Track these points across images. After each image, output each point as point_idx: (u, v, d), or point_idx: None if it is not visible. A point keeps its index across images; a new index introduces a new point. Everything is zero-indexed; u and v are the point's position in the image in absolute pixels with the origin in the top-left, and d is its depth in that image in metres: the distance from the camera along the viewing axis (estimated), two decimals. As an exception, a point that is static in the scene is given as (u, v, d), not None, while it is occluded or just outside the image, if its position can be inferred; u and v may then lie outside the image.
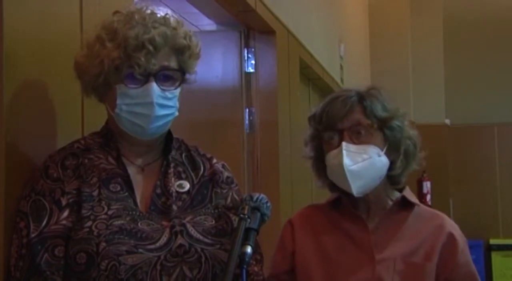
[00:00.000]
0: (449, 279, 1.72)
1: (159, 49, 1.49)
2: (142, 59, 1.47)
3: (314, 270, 1.75)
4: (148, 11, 1.53)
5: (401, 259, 1.70)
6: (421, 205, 1.81)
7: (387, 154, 1.73)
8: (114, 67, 1.48)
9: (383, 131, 1.73)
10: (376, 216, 1.76)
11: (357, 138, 1.70)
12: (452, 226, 1.78)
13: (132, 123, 1.52)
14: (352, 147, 1.69)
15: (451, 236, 1.74)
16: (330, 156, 1.71)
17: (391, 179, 1.78)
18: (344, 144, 1.68)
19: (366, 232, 1.74)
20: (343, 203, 1.79)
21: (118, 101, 1.50)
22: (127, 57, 1.48)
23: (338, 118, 1.71)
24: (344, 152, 1.67)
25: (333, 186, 1.81)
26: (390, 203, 1.78)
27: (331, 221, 1.80)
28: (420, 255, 1.71)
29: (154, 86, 1.49)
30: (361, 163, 1.68)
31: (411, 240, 1.73)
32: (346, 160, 1.67)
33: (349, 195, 1.75)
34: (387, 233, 1.74)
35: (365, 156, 1.69)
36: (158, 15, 1.53)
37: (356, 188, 1.69)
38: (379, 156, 1.71)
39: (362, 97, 1.73)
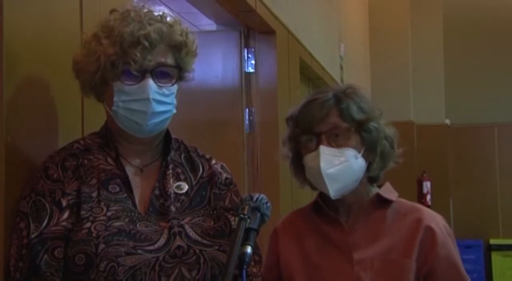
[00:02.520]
0: (431, 272, 1.70)
1: (154, 45, 1.49)
2: (138, 55, 1.47)
3: (297, 275, 1.75)
4: (145, 9, 1.54)
5: (379, 257, 1.70)
6: (400, 200, 1.80)
7: (364, 156, 1.73)
8: (110, 64, 1.48)
9: (360, 133, 1.73)
10: (356, 217, 1.76)
11: (335, 141, 1.70)
12: (431, 219, 1.76)
13: (129, 120, 1.51)
14: (329, 150, 1.69)
15: (429, 229, 1.72)
16: (308, 159, 1.72)
17: (370, 178, 1.79)
18: (321, 147, 1.68)
19: (344, 234, 1.74)
20: (322, 206, 1.79)
21: (115, 98, 1.50)
22: (123, 53, 1.48)
23: (315, 122, 1.70)
24: (321, 156, 1.68)
25: (313, 185, 1.82)
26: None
27: (312, 224, 1.80)
28: (398, 252, 1.70)
29: (151, 82, 1.49)
30: (338, 166, 1.69)
31: (389, 237, 1.73)
32: (323, 164, 1.68)
33: (327, 197, 1.76)
34: (365, 232, 1.74)
35: (342, 159, 1.69)
36: (155, 13, 1.54)
37: (333, 191, 1.70)
38: (356, 158, 1.71)
39: (339, 100, 1.72)
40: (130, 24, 1.49)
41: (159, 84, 1.50)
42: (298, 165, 1.78)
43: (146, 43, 1.47)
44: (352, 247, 1.72)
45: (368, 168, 1.75)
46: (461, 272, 1.74)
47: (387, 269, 1.69)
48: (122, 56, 1.48)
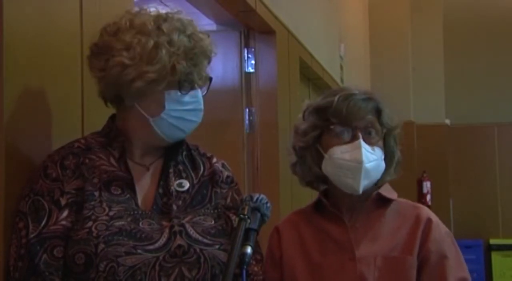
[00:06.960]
0: (423, 261, 1.71)
1: (204, 60, 1.58)
2: (194, 69, 1.54)
3: (300, 275, 1.76)
4: (188, 18, 1.59)
5: (381, 255, 1.72)
6: (399, 199, 1.83)
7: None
8: (174, 74, 1.51)
9: (385, 139, 1.77)
10: (358, 215, 1.78)
11: (368, 138, 1.73)
12: (430, 214, 1.79)
13: (175, 127, 1.55)
14: (367, 145, 1.72)
15: (428, 221, 1.76)
16: (339, 150, 1.72)
17: (377, 182, 1.80)
18: (362, 141, 1.71)
19: (346, 232, 1.75)
20: (324, 205, 1.80)
21: (167, 107, 1.53)
22: (189, 66, 1.53)
23: (358, 116, 1.73)
24: (363, 149, 1.70)
25: (315, 182, 1.83)
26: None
27: (314, 224, 1.81)
28: (399, 249, 1.73)
29: (199, 94, 1.58)
30: (373, 163, 1.72)
31: (390, 235, 1.75)
32: (365, 157, 1.70)
33: (330, 196, 1.78)
34: (366, 230, 1.76)
35: (375, 156, 1.73)
36: (196, 26, 1.60)
37: (362, 186, 1.72)
38: (382, 159, 1.75)
39: (377, 102, 1.77)
40: (190, 38, 1.55)
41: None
42: (316, 155, 1.78)
43: (202, 58, 1.57)
44: (354, 245, 1.73)
45: (383, 174, 1.77)
46: (461, 264, 1.75)
47: (390, 266, 1.71)
48: (187, 68, 1.52)
